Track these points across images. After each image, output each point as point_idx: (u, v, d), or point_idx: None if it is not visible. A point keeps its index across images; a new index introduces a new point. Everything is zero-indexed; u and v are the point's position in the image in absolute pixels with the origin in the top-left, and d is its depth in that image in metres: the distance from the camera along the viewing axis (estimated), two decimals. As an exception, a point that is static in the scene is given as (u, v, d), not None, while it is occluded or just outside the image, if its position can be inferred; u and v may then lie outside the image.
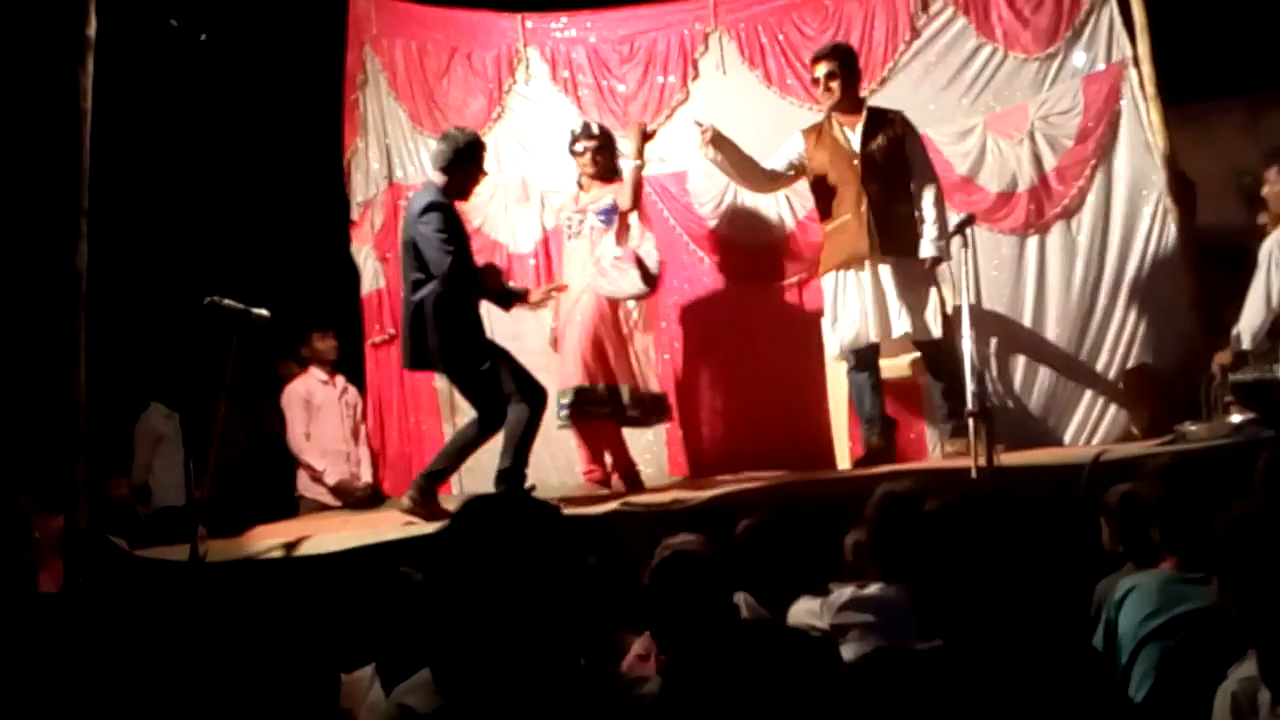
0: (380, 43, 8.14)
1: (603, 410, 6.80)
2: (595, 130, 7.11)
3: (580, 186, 7.17)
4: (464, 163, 6.31)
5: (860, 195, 6.51)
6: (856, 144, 6.59)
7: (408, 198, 7.05)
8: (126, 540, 6.08)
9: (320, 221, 8.46)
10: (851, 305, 6.58)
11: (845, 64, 6.67)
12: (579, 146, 7.06)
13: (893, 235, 6.49)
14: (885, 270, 6.51)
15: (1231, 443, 5.56)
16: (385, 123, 8.08)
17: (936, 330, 6.47)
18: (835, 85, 6.62)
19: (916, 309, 6.48)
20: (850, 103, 6.69)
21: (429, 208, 6.18)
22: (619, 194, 6.90)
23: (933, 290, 6.51)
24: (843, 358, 6.80)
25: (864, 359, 6.67)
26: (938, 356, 6.51)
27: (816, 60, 6.76)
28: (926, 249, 6.46)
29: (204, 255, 8.33)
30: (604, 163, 7.03)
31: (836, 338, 6.73)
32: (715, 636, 2.03)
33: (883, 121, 6.65)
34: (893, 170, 6.56)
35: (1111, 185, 7.19)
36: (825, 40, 7.51)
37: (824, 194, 6.70)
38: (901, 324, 6.49)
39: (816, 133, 6.75)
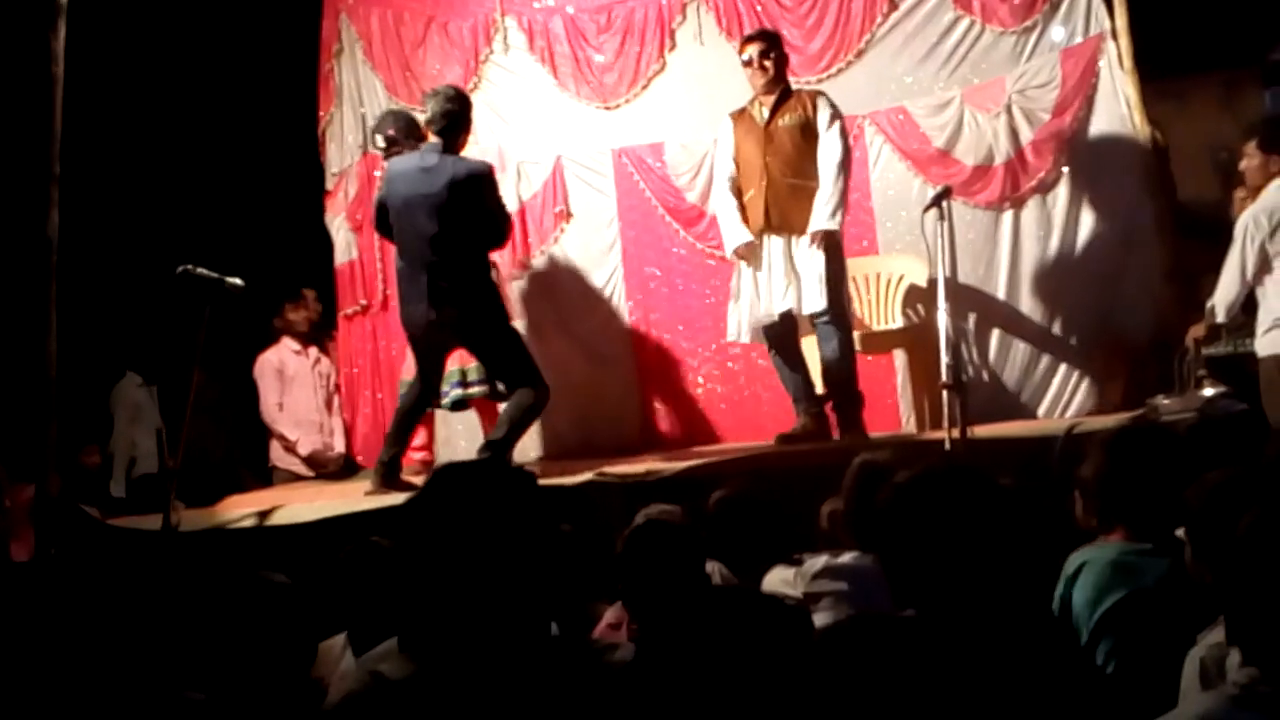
0: (357, 11, 8.10)
1: (482, 389, 6.86)
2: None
3: None
4: (460, 121, 6.25)
5: (763, 169, 6.48)
6: (764, 119, 6.53)
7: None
8: (98, 508, 6.06)
9: (295, 191, 8.41)
10: (746, 283, 6.55)
11: (771, 48, 6.57)
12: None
13: (786, 210, 6.43)
14: (778, 246, 6.44)
15: (1195, 416, 5.60)
16: (361, 92, 8.04)
17: (816, 304, 6.34)
18: (769, 64, 6.50)
19: (800, 283, 6.39)
20: (775, 84, 6.56)
21: (488, 176, 6.22)
22: None
23: (822, 265, 6.33)
24: (749, 338, 6.69)
25: (774, 339, 6.60)
26: (824, 332, 6.44)
27: (748, 42, 6.67)
28: (815, 222, 6.33)
29: (178, 224, 8.28)
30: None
31: (734, 315, 6.66)
32: (688, 602, 2.04)
33: (791, 97, 6.56)
34: (798, 147, 6.47)
35: (1088, 159, 7.20)
36: (802, 12, 7.56)
37: (740, 169, 6.64)
38: (786, 300, 6.41)
39: (740, 112, 6.69)
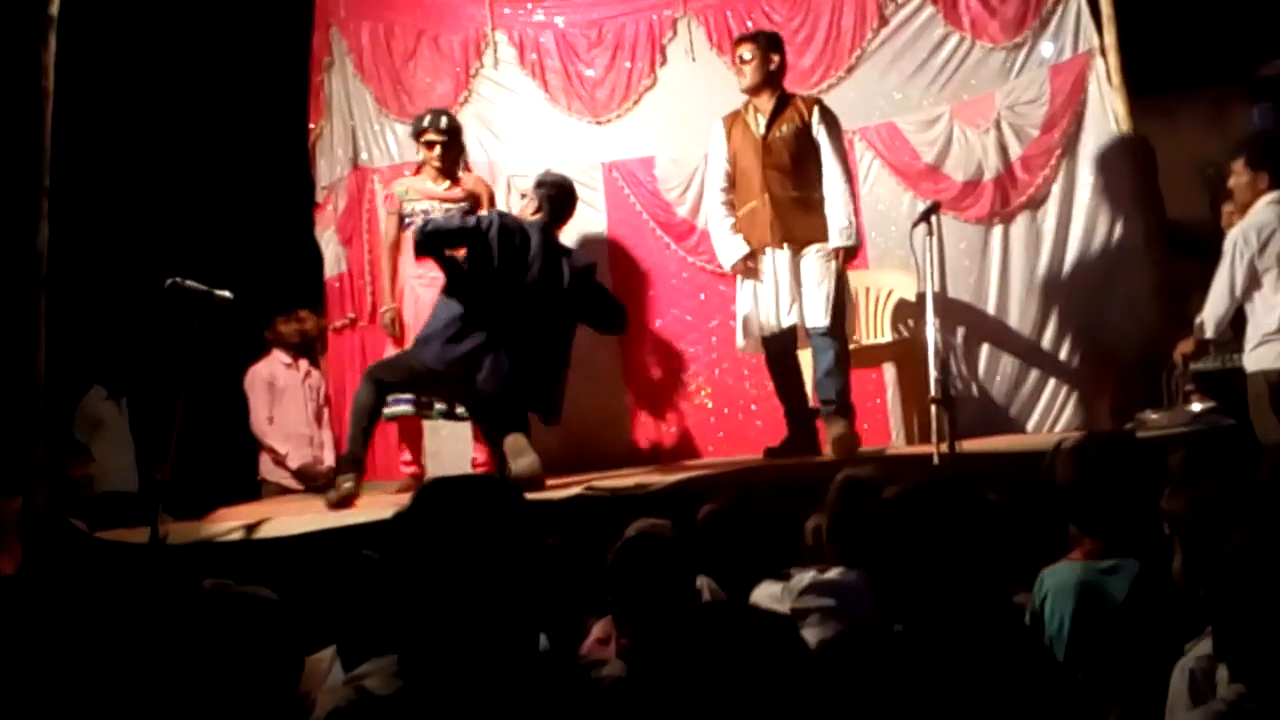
0: (347, 25, 8.09)
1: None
2: (445, 124, 6.97)
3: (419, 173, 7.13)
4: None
5: (764, 182, 6.43)
6: (761, 129, 6.48)
7: (382, 185, 6.94)
8: (85, 522, 6.04)
9: (285, 204, 8.40)
10: (749, 294, 6.51)
11: (764, 50, 6.51)
12: (431, 138, 6.93)
13: (791, 224, 6.40)
14: (783, 259, 6.40)
15: (1188, 431, 5.62)
16: (351, 105, 8.02)
17: (818, 319, 6.32)
18: (748, 69, 6.49)
19: (805, 298, 6.37)
20: (768, 89, 6.51)
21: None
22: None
23: (828, 281, 6.34)
24: (752, 349, 6.69)
25: (774, 351, 6.59)
26: (821, 345, 6.40)
27: (739, 43, 6.68)
28: (834, 238, 6.33)
29: (167, 237, 8.25)
30: (452, 159, 6.99)
31: (740, 327, 6.63)
32: (678, 617, 2.03)
33: (788, 106, 6.51)
34: (797, 157, 6.44)
35: (1076, 175, 7.23)
36: (793, 27, 7.59)
37: (737, 180, 6.59)
38: (792, 315, 6.39)
39: (733, 118, 6.63)
